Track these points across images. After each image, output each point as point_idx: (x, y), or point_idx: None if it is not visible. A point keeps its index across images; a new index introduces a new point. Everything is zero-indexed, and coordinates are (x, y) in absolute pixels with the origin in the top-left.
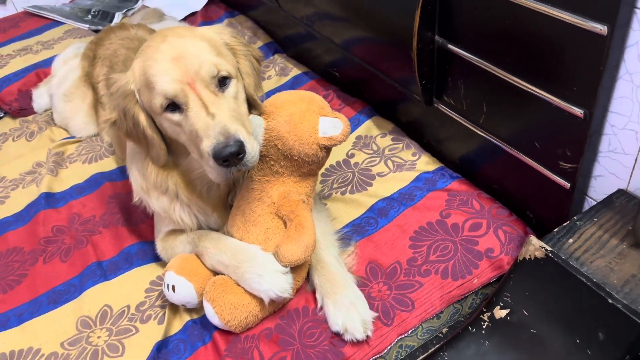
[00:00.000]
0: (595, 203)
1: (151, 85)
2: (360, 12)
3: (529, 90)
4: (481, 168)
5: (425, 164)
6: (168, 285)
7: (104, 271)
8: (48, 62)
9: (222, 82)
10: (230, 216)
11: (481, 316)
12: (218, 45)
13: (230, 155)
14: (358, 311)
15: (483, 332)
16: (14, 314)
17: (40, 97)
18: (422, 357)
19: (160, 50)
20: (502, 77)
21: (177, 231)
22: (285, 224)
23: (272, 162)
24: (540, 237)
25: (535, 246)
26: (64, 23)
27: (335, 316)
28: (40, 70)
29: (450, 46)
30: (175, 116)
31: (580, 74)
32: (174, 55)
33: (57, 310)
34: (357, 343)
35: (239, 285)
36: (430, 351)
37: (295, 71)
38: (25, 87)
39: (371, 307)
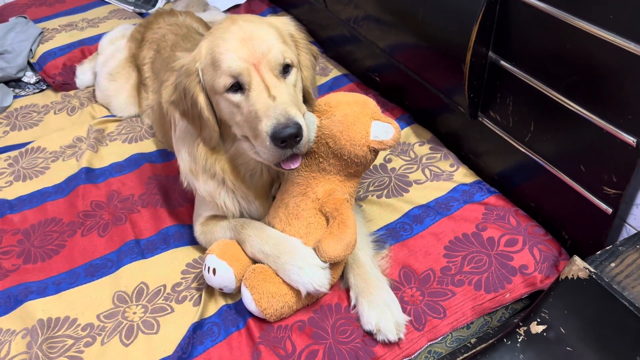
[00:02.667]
0: (633, 230)
1: (217, 63)
2: (414, 20)
3: (581, 113)
4: (520, 185)
5: (463, 175)
6: (209, 268)
7: (142, 249)
8: (93, 40)
9: (285, 69)
10: (273, 208)
11: (517, 330)
12: (284, 35)
13: (289, 136)
14: (392, 312)
15: (518, 345)
16: (52, 283)
17: (83, 74)
18: None
19: (229, 31)
20: (555, 98)
21: (217, 217)
22: (327, 220)
23: (321, 160)
24: None
25: (579, 266)
26: (109, 3)
27: (369, 315)
28: (85, 47)
29: (504, 63)
30: (236, 97)
31: (637, 103)
32: (242, 36)
33: (94, 283)
34: (388, 344)
35: (278, 276)
36: (460, 359)
37: (335, 72)
38: (70, 62)
39: (403, 310)
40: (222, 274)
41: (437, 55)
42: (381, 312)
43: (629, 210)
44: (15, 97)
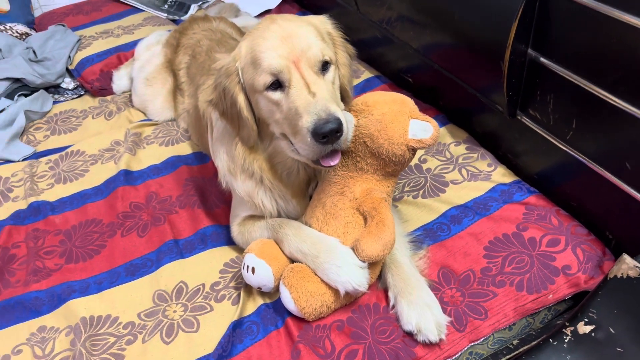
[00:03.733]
0: None
1: (257, 61)
2: (450, 19)
3: (627, 110)
4: (560, 184)
5: (502, 175)
6: (248, 267)
7: (180, 249)
8: (129, 46)
9: (324, 66)
10: (310, 207)
11: (563, 330)
12: (322, 33)
13: (330, 132)
14: (432, 313)
15: (565, 345)
16: (94, 282)
17: (120, 79)
18: None
19: (269, 29)
20: (599, 95)
21: (254, 217)
22: (365, 220)
23: (359, 159)
24: None
25: (629, 265)
26: (143, 10)
27: (409, 315)
28: (122, 54)
29: (544, 60)
30: (276, 94)
31: None
32: (282, 35)
33: (134, 282)
34: (429, 345)
35: (316, 275)
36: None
37: (367, 74)
38: (107, 68)
39: (443, 311)
40: (261, 273)
41: (474, 54)
42: (421, 312)
43: None
44: (54, 102)
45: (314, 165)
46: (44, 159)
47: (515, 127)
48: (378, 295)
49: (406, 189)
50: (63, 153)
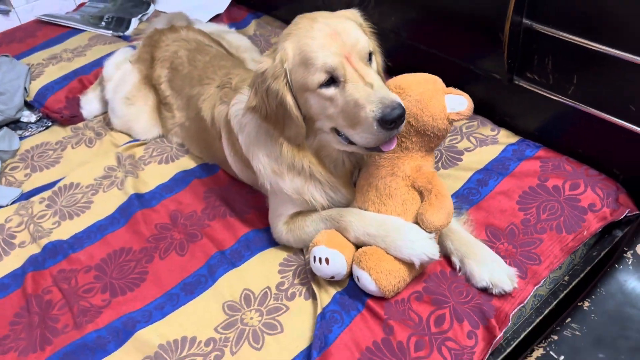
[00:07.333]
0: None
1: (309, 61)
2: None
3: (627, 60)
4: (561, 136)
5: (507, 137)
6: (320, 258)
7: (229, 259)
8: (87, 69)
9: (369, 57)
10: (360, 193)
11: (624, 255)
12: (359, 25)
13: (398, 117)
14: (501, 267)
15: (630, 267)
16: (155, 308)
17: (89, 104)
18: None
19: (315, 29)
20: (599, 49)
21: (301, 213)
22: (421, 194)
23: (403, 139)
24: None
25: None
26: (84, 30)
27: (481, 273)
28: (83, 77)
29: (539, 26)
30: (330, 91)
31: None
32: (330, 32)
33: (197, 299)
34: (503, 296)
35: (388, 254)
36: (562, 295)
37: None
38: (72, 94)
39: None
40: (336, 262)
41: (467, 29)
42: (492, 268)
43: None
44: (20, 139)
45: (366, 152)
46: (35, 199)
47: (511, 91)
48: (441, 263)
49: None
50: (56, 189)
